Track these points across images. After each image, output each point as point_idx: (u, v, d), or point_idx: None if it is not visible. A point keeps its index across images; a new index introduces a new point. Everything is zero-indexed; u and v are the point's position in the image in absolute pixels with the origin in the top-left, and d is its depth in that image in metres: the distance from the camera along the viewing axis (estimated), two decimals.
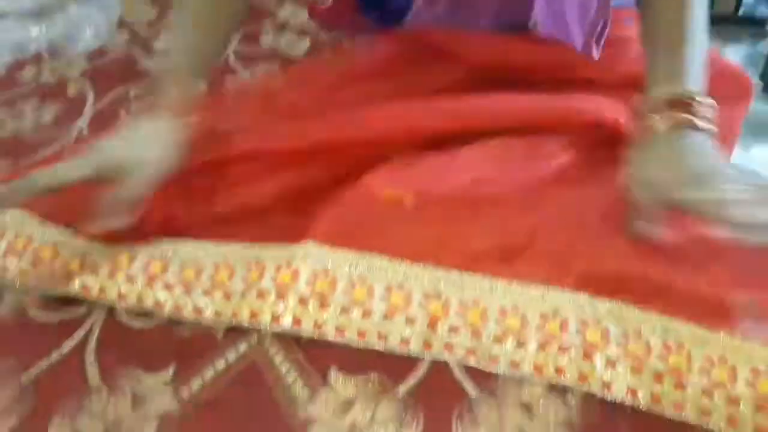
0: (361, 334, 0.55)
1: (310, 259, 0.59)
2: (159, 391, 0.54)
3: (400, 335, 0.55)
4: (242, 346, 0.56)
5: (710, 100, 0.60)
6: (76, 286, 0.60)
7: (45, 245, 0.65)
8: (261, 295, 0.57)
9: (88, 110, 0.89)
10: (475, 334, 0.55)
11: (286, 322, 0.56)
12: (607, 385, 0.50)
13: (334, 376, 0.54)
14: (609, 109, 0.74)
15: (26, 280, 0.63)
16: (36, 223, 0.67)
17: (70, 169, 0.58)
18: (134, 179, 0.58)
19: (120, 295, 0.59)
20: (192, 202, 0.69)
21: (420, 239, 0.61)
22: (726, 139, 0.81)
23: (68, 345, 0.58)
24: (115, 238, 0.64)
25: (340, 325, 0.56)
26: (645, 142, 0.61)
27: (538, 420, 0.51)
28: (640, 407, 0.49)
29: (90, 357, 0.56)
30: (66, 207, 0.68)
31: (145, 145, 0.60)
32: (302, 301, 0.57)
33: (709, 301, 0.54)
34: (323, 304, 0.57)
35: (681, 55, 0.62)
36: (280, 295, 0.57)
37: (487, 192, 0.66)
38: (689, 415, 0.49)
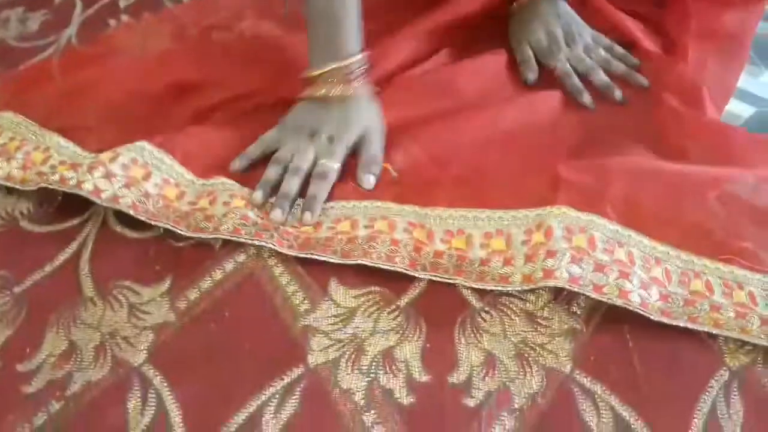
0: (345, 254, 0.54)
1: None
2: (156, 302, 0.53)
3: (385, 253, 0.54)
4: (240, 257, 0.55)
5: None
6: (55, 178, 0.58)
7: (38, 150, 0.63)
8: (245, 218, 0.56)
9: (76, 19, 0.85)
10: (461, 258, 0.54)
11: (268, 237, 0.55)
12: (597, 288, 0.49)
13: (335, 287, 0.53)
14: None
15: (13, 180, 0.61)
16: (33, 128, 0.65)
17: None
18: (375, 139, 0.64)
19: (96, 189, 0.57)
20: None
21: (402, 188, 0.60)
22: (738, 43, 0.78)
23: (62, 257, 0.56)
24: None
25: (325, 244, 0.55)
26: (523, 8, 0.75)
27: (542, 329, 0.50)
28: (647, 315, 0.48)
29: (84, 268, 0.55)
30: (62, 114, 0.67)
31: (373, 115, 0.65)
32: (286, 234, 0.56)
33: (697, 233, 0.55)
34: (307, 238, 0.56)
35: None
36: (265, 226, 0.56)
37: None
38: (678, 319, 0.48)
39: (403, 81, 0.69)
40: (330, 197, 0.60)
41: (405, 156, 0.62)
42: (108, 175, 0.58)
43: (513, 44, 0.75)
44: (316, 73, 0.62)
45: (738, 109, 1.32)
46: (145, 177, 0.59)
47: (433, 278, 0.53)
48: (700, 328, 0.48)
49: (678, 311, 0.49)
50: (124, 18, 0.85)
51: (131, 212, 0.56)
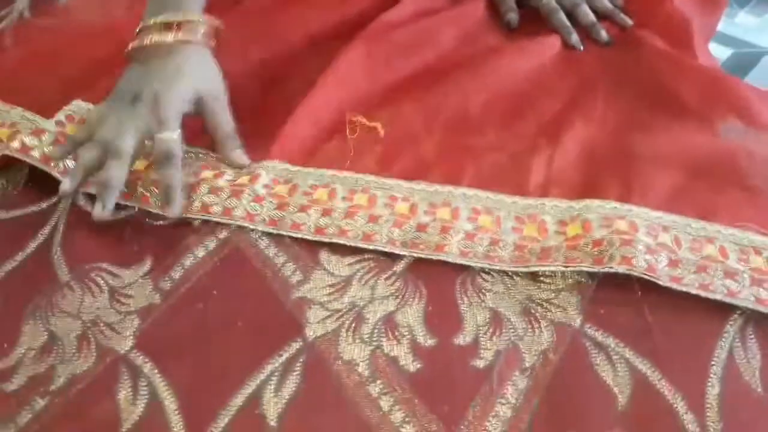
0: (319, 230, 0.51)
1: (273, 171, 0.55)
2: (138, 284, 0.49)
3: (363, 231, 0.51)
4: (222, 233, 0.52)
5: None
6: (15, 145, 0.55)
7: (2, 126, 0.58)
8: (214, 191, 0.53)
9: None
10: (444, 230, 0.50)
11: (238, 214, 0.52)
12: (598, 260, 0.47)
13: (326, 256, 0.50)
14: None
15: None
16: None
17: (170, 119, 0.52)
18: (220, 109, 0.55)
19: (65, 170, 0.54)
20: None
21: (393, 166, 0.56)
22: None
23: (33, 244, 0.53)
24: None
25: (296, 220, 0.52)
26: None
27: (546, 285, 0.48)
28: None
29: (57, 252, 0.52)
30: (22, 88, 0.62)
31: (208, 76, 0.55)
32: (257, 199, 0.52)
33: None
34: (281, 204, 0.53)
35: None
36: (235, 194, 0.53)
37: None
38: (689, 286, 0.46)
39: (380, 31, 0.65)
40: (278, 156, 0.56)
41: (392, 113, 0.59)
42: (75, 157, 0.54)
43: None
44: (147, 24, 0.54)
45: (715, 52, 1.31)
46: None
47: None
48: (713, 297, 0.45)
49: (689, 277, 0.46)
50: None
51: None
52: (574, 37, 0.66)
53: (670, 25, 0.66)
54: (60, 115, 0.57)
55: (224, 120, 0.55)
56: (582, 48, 0.66)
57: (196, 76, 0.53)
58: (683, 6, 0.71)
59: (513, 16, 0.69)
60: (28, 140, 0.55)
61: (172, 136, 0.50)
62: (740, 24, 1.32)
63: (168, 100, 0.51)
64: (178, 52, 0.53)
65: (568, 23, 0.67)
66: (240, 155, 0.55)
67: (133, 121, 0.50)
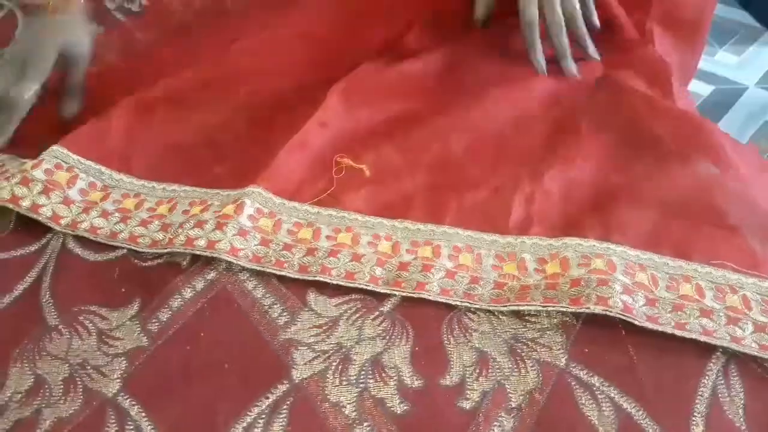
0: (302, 267, 0.52)
1: (257, 200, 0.55)
2: (125, 326, 0.49)
3: (346, 269, 0.51)
4: (210, 274, 0.52)
5: None
6: (3, 195, 0.55)
7: None
8: (199, 224, 0.53)
9: None
10: (426, 268, 0.51)
11: (222, 247, 0.52)
12: (575, 300, 0.48)
13: (314, 298, 0.51)
14: None
15: None
16: None
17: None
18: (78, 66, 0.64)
19: (54, 215, 0.55)
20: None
21: (378, 204, 0.57)
22: (698, 28, 0.78)
23: (21, 287, 0.53)
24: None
25: (280, 257, 0.52)
26: None
27: (532, 325, 0.49)
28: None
29: (45, 295, 0.52)
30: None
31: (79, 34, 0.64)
32: (242, 233, 0.53)
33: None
34: (264, 241, 0.53)
35: None
36: (219, 226, 0.53)
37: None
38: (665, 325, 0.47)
39: (365, 76, 0.66)
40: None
41: (377, 156, 0.60)
42: (66, 201, 0.56)
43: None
44: None
45: (697, 89, 1.34)
46: (103, 198, 0.57)
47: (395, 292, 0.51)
48: (688, 336, 0.46)
49: (666, 316, 0.47)
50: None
51: (90, 235, 0.54)
52: (570, 62, 0.67)
53: (650, 68, 0.68)
54: (48, 164, 0.58)
55: (78, 75, 0.64)
56: (578, 75, 0.67)
57: (69, 34, 0.62)
58: (663, 48, 0.73)
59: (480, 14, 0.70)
60: (18, 190, 0.55)
61: (23, 93, 0.59)
62: (720, 61, 1.36)
63: (32, 61, 0.60)
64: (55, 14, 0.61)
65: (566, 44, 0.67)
66: (72, 105, 0.64)
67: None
